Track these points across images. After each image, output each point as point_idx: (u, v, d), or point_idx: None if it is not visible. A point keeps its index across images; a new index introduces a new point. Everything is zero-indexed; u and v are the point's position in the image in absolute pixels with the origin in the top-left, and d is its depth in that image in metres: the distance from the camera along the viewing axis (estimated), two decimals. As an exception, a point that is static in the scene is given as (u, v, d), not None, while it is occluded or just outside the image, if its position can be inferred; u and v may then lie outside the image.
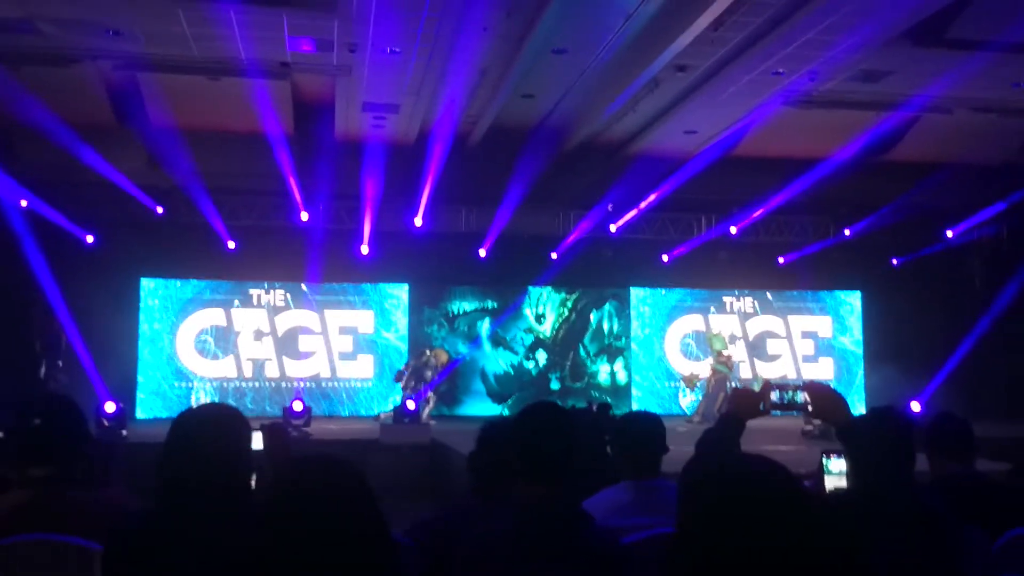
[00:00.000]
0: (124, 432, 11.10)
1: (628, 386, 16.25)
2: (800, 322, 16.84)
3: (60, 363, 12.60)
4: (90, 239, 13.96)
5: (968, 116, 12.25)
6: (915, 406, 12.87)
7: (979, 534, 2.87)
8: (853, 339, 16.88)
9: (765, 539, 1.44)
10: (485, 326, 15.92)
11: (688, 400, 15.85)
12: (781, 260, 16.31)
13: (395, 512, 1.90)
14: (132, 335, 14.65)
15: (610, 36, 9.81)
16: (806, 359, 16.64)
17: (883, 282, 16.33)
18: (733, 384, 14.93)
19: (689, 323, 16.44)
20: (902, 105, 11.92)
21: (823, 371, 16.56)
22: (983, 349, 14.60)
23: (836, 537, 1.51)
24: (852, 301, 16.97)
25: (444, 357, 14.83)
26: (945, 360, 14.63)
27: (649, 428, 3.76)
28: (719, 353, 15.03)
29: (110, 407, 11.20)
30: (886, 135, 13.17)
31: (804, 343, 16.75)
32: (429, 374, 14.33)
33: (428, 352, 14.69)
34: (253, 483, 2.75)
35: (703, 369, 15.27)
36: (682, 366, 16.06)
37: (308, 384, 14.98)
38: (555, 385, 16.07)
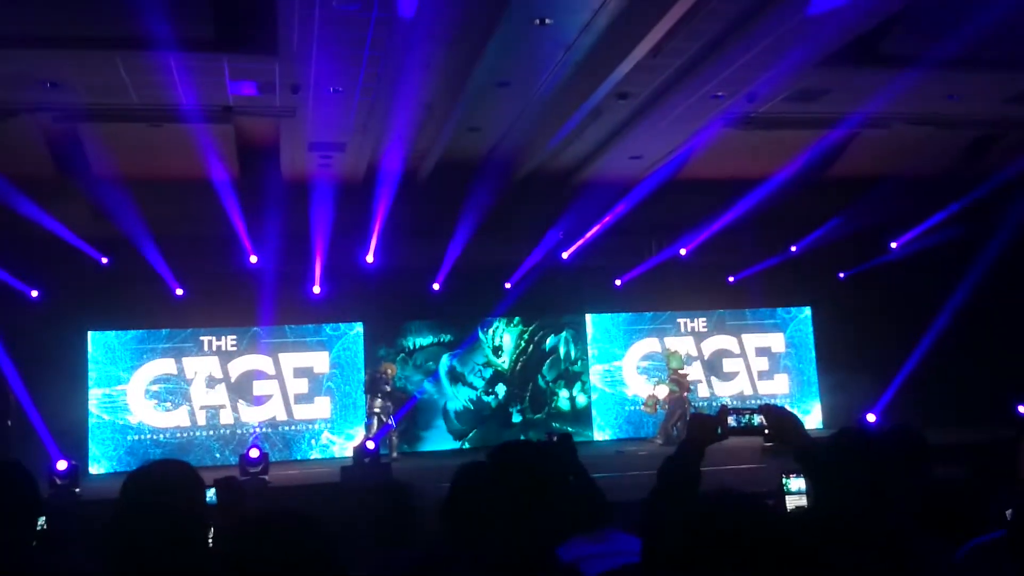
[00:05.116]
0: (78, 490, 10.86)
1: (588, 409, 16.25)
2: (753, 339, 17.00)
3: (9, 423, 12.29)
4: (35, 293, 13.69)
5: (905, 130, 12.51)
6: (871, 418, 13.06)
7: (941, 545, 2.90)
8: (806, 354, 17.07)
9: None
10: (443, 361, 15.84)
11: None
12: (731, 279, 16.47)
13: (360, 558, 1.86)
14: (82, 389, 14.33)
15: (551, 67, 9.91)
16: (761, 376, 16.78)
17: (832, 296, 16.56)
18: (690, 402, 15.00)
19: (645, 346, 16.51)
20: (840, 122, 12.15)
21: (779, 387, 16.71)
22: (933, 357, 14.84)
23: (805, 562, 1.52)
24: (803, 316, 17.19)
25: (392, 370, 14.64)
26: (897, 370, 14.85)
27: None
28: (675, 371, 15.09)
29: (62, 465, 10.95)
30: (826, 152, 13.41)
31: (758, 360, 16.89)
32: (387, 388, 14.15)
33: (379, 367, 14.59)
34: (210, 540, 2.70)
35: (661, 391, 15.31)
36: (641, 390, 16.09)
37: (264, 429, 14.75)
38: (516, 418, 15.99)
